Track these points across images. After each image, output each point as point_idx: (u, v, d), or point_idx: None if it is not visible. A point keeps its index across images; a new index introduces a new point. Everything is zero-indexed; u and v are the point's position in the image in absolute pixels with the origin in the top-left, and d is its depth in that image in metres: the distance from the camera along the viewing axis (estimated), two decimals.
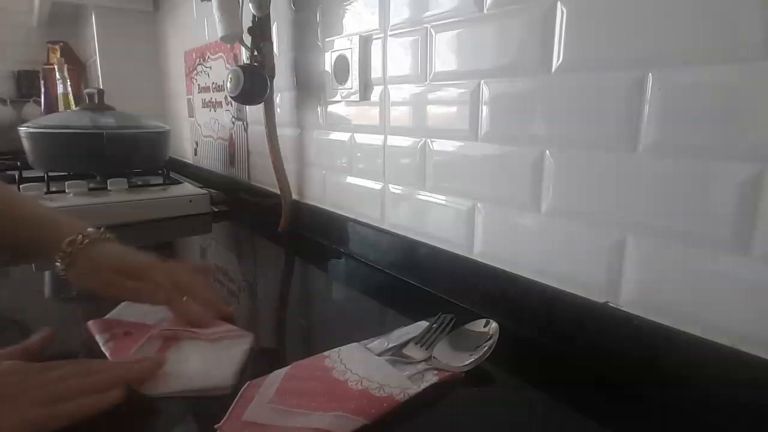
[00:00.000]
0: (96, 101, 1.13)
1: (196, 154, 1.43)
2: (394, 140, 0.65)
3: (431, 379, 0.40)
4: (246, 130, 1.08)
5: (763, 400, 0.33)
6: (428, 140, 0.60)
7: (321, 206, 0.84)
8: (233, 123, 1.14)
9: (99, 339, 0.46)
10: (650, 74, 0.38)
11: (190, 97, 1.40)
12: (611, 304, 0.42)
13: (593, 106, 0.42)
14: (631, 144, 0.39)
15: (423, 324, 0.49)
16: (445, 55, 0.55)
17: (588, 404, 0.39)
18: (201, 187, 1.14)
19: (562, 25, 0.43)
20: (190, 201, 1.05)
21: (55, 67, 1.77)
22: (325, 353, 0.43)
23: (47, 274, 0.67)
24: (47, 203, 0.92)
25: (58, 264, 0.47)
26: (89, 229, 0.49)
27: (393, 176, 0.67)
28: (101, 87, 1.40)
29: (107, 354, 0.43)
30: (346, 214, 0.77)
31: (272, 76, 0.82)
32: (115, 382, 0.37)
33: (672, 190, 0.37)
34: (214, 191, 1.12)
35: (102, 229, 0.51)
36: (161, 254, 0.53)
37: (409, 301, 0.60)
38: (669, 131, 0.37)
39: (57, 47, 1.86)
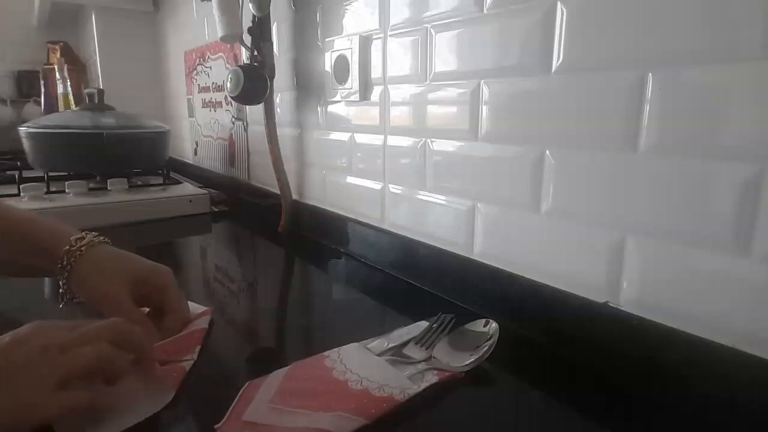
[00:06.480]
0: (96, 101, 1.13)
1: (196, 154, 1.43)
2: (394, 140, 0.65)
3: (431, 379, 0.40)
4: (246, 130, 1.08)
5: (763, 400, 0.33)
6: (428, 140, 0.60)
7: (321, 206, 0.84)
8: (233, 123, 1.14)
9: None
10: (650, 74, 0.38)
11: (190, 97, 1.40)
12: (611, 304, 0.42)
13: (593, 106, 0.42)
14: (631, 144, 0.39)
15: (423, 324, 0.49)
16: (445, 55, 0.55)
17: (588, 404, 0.39)
18: (201, 187, 1.14)
19: (562, 25, 0.43)
20: (190, 201, 1.05)
21: (55, 67, 1.77)
22: (325, 353, 0.43)
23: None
24: (47, 203, 0.93)
25: (60, 272, 0.45)
26: (85, 233, 0.47)
27: (393, 176, 0.67)
28: (101, 87, 1.40)
29: None
30: (346, 214, 0.77)
31: (272, 76, 0.82)
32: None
33: (672, 190, 0.37)
34: (214, 191, 1.12)
35: (97, 233, 0.48)
36: (161, 254, 0.52)
37: (409, 301, 0.60)
38: (669, 131, 0.37)
39: (57, 47, 1.85)
